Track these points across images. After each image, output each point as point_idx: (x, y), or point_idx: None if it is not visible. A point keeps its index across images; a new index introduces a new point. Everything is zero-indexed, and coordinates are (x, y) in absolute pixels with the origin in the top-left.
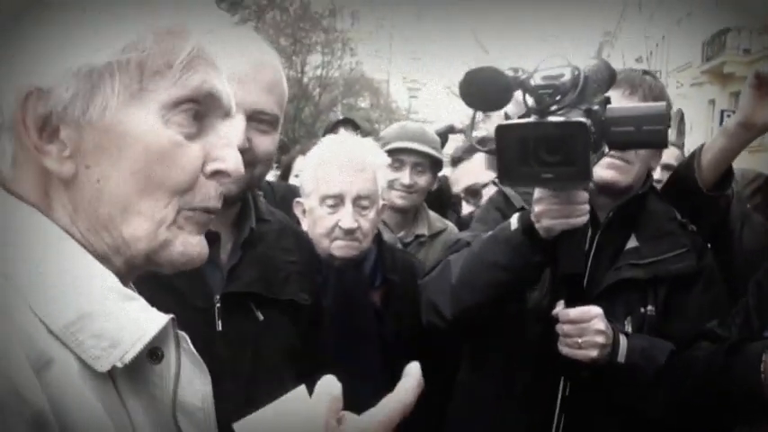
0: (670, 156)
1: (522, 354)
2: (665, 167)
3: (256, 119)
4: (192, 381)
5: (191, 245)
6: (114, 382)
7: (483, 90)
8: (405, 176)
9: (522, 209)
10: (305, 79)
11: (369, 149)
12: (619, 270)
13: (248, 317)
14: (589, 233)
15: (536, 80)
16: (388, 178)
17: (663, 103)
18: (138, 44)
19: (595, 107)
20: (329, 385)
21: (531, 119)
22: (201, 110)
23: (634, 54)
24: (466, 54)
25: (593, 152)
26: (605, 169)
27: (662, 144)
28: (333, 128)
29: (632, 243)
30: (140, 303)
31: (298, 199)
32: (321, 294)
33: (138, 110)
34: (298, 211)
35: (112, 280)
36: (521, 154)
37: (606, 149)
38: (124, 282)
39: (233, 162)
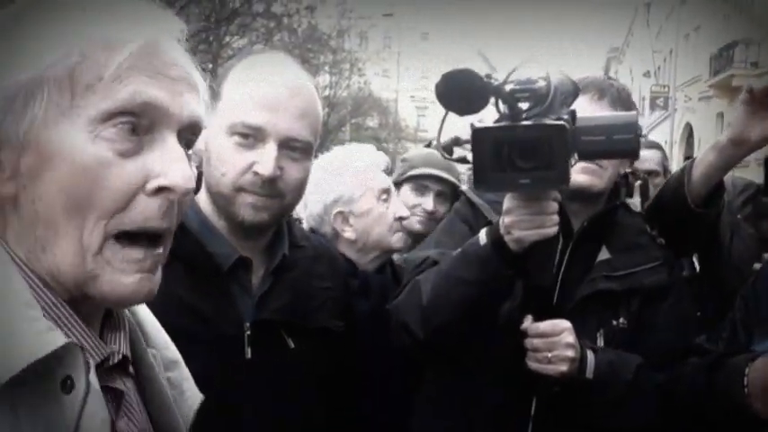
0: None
1: (493, 367)
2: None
3: (288, 146)
4: (95, 414)
5: (121, 284)
6: (16, 410)
7: (460, 92)
8: (428, 203)
9: (490, 222)
10: None
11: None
12: (593, 282)
13: (279, 345)
14: (560, 243)
15: (510, 85)
16: (411, 203)
17: (633, 112)
18: (65, 59)
19: (565, 116)
20: None
21: (507, 123)
22: (143, 123)
23: (642, 69)
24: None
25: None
26: (580, 174)
27: (633, 153)
28: None
29: (604, 255)
30: (41, 325)
31: (339, 209)
32: (357, 300)
33: (68, 126)
34: (338, 223)
35: (24, 298)
36: (496, 159)
37: (575, 160)
38: (82, 308)
39: (179, 176)
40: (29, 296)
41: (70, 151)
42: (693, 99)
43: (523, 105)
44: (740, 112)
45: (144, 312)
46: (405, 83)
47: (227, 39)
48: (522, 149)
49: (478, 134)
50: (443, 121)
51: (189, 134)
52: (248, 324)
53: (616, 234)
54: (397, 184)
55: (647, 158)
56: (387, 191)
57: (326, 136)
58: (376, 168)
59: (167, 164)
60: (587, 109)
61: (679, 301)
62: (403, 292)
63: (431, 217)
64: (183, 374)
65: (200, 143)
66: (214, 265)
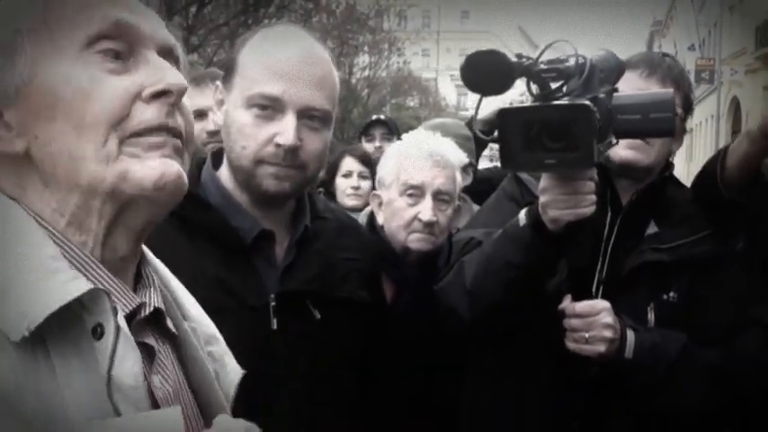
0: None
1: (543, 345)
2: None
3: (307, 115)
4: (125, 358)
5: (149, 167)
6: (51, 359)
7: (485, 74)
8: None
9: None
10: (353, 80)
11: (451, 148)
12: (642, 254)
13: (304, 316)
14: (609, 218)
15: (540, 65)
16: None
17: (670, 90)
18: (32, 6)
19: (601, 95)
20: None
21: (535, 103)
22: (122, 47)
23: (686, 42)
24: (514, 49)
25: (600, 141)
26: (625, 149)
27: (669, 132)
28: (367, 129)
29: (652, 229)
30: (66, 275)
31: (375, 191)
32: (401, 290)
33: (56, 64)
34: (374, 204)
35: (48, 251)
36: (524, 139)
37: (614, 140)
38: (124, 241)
39: (173, 79)
40: (53, 249)
41: (64, 82)
42: (740, 72)
43: (554, 85)
44: None
45: (181, 289)
46: (444, 62)
47: (266, 21)
48: (551, 129)
49: (505, 115)
50: (479, 102)
51: (169, 60)
52: (273, 295)
53: (665, 208)
54: None
55: None
56: (417, 188)
57: (367, 116)
58: (421, 162)
59: (159, 72)
60: (635, 85)
61: (733, 274)
62: (449, 275)
63: None
64: (223, 349)
65: (218, 118)
66: (238, 238)
